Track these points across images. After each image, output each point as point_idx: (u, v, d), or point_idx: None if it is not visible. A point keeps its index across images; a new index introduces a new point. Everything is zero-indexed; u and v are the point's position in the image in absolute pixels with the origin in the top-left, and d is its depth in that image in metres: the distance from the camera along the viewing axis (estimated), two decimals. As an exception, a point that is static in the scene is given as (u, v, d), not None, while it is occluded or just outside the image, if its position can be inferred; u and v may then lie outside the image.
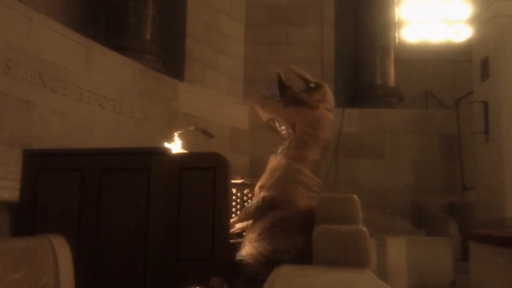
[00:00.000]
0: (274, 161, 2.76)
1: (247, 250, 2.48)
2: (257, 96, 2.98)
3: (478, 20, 5.82)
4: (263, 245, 2.47)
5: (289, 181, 2.61)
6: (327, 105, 2.82)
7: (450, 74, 7.85)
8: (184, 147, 2.89)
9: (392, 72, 7.67)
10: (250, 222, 2.70)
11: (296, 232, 2.49)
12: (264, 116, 2.98)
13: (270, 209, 2.56)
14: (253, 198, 2.80)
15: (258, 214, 2.59)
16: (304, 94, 2.78)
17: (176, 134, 2.88)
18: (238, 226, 2.78)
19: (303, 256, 2.38)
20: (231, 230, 2.63)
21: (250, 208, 2.65)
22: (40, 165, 2.36)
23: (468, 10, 6.24)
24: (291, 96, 2.81)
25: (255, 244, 2.50)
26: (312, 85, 2.82)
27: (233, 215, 2.94)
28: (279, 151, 2.79)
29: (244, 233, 2.72)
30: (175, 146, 2.81)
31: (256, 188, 2.78)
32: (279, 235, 2.49)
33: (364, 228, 2.32)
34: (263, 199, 2.60)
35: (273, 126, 2.97)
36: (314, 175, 2.72)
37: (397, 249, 4.98)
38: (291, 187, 2.59)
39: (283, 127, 2.89)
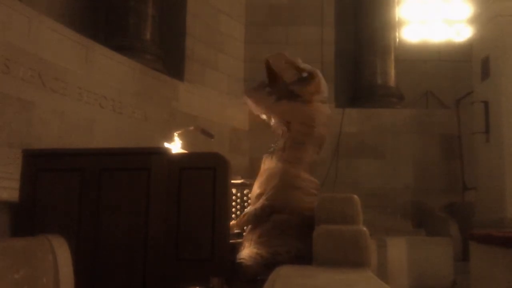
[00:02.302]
0: (269, 163, 2.67)
1: (247, 252, 2.47)
2: (247, 89, 2.85)
3: (479, 20, 5.81)
4: (263, 247, 2.46)
5: (288, 188, 2.56)
6: (321, 96, 2.70)
7: (451, 74, 7.84)
8: (184, 147, 2.88)
9: (392, 72, 7.66)
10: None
11: (296, 235, 2.48)
12: (256, 110, 2.84)
13: (270, 215, 2.53)
14: (251, 205, 2.76)
15: (257, 222, 2.56)
16: (296, 86, 2.64)
17: (176, 134, 2.87)
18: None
19: (303, 258, 2.37)
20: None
21: (250, 214, 2.61)
22: (40, 165, 2.35)
23: (468, 9, 6.23)
24: (282, 87, 2.67)
25: (255, 246, 2.49)
26: (305, 74, 2.69)
27: (233, 215, 2.93)
28: (273, 150, 2.70)
29: (244, 234, 2.71)
30: (175, 146, 2.80)
31: (254, 195, 2.70)
32: (279, 238, 2.47)
33: (364, 228, 2.32)
34: (262, 208, 2.54)
35: (264, 118, 2.85)
36: (310, 176, 2.68)
37: (398, 249, 4.97)
38: (290, 194, 2.55)
39: (275, 122, 2.76)
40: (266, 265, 2.36)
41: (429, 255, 5.06)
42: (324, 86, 2.74)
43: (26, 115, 3.87)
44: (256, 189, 2.70)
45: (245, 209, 2.82)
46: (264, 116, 2.84)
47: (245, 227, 2.72)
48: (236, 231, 2.74)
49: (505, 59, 5.28)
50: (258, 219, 2.55)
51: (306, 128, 2.63)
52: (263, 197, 2.59)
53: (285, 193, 2.55)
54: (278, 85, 2.72)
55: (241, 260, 2.42)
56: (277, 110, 2.70)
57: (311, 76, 2.70)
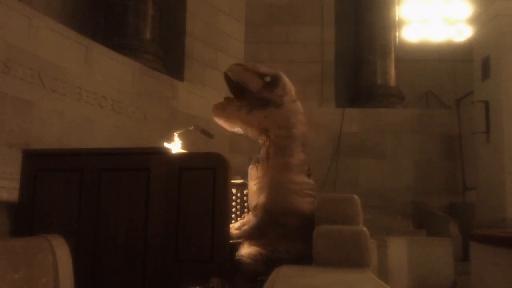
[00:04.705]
0: (257, 174, 2.62)
1: (246, 250, 2.47)
2: (214, 110, 2.69)
3: (479, 20, 5.80)
4: (263, 246, 2.45)
5: (281, 194, 2.52)
6: (289, 96, 2.65)
7: (451, 73, 7.84)
8: (184, 147, 2.87)
9: (392, 71, 7.66)
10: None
11: (296, 236, 2.47)
12: (230, 126, 2.74)
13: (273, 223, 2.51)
14: (247, 217, 2.70)
15: (259, 234, 2.54)
16: (265, 92, 2.58)
17: (176, 134, 2.86)
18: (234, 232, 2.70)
19: (303, 258, 2.36)
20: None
21: (252, 228, 2.55)
22: (39, 165, 2.35)
23: (469, 9, 6.23)
24: (250, 98, 2.60)
25: (254, 245, 2.48)
26: (268, 78, 2.61)
27: (233, 215, 2.92)
28: (257, 161, 2.64)
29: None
30: (175, 146, 2.79)
31: (251, 205, 2.65)
32: (279, 238, 2.47)
33: (365, 229, 2.31)
34: (263, 221, 2.50)
35: (241, 132, 2.76)
36: (304, 177, 2.64)
37: (398, 250, 4.96)
38: (285, 199, 2.51)
39: (252, 134, 2.69)
40: (265, 263, 2.35)
41: (429, 255, 5.05)
42: (290, 85, 2.70)
43: (25, 115, 3.87)
44: (251, 200, 2.66)
45: (244, 216, 2.78)
46: (239, 130, 2.76)
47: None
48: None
49: (506, 58, 5.27)
50: (260, 233, 2.53)
51: (285, 131, 2.59)
52: (259, 210, 2.56)
53: (281, 200, 2.51)
54: (245, 96, 2.64)
55: (240, 257, 2.40)
56: (252, 122, 2.64)
57: (275, 78, 2.65)
